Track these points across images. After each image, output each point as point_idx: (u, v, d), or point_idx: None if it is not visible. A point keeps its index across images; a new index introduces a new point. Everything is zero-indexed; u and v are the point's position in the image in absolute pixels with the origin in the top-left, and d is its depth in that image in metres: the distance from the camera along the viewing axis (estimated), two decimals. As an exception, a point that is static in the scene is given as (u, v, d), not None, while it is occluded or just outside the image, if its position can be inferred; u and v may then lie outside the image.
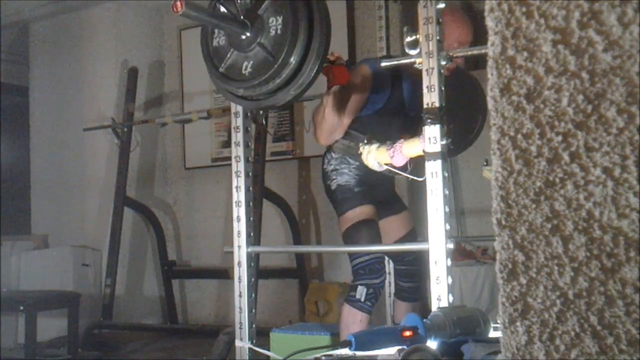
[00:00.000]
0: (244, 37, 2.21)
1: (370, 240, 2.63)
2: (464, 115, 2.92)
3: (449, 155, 2.26)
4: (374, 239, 2.65)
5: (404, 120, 2.70)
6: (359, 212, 2.66)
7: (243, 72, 2.24)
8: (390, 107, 2.69)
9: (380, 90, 2.66)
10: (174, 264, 5.29)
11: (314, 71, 2.20)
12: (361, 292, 2.60)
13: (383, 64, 2.46)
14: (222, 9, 2.22)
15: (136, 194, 5.26)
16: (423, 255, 2.87)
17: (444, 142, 2.19)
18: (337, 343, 2.55)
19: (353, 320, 2.60)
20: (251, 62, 2.22)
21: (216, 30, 2.31)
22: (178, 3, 1.96)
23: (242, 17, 2.21)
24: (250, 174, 2.72)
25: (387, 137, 2.62)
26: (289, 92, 2.22)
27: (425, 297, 2.93)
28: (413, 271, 2.89)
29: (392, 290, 3.17)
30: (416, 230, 2.94)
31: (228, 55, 2.27)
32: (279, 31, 2.17)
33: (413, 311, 2.90)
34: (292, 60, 2.16)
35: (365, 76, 2.59)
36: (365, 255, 2.62)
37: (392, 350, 1.37)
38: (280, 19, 2.17)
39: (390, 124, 2.70)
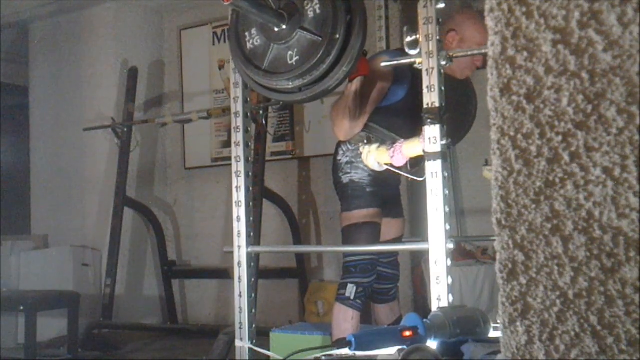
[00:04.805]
0: (282, 27, 2.16)
1: (369, 243, 2.64)
2: (456, 110, 2.93)
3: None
4: (373, 242, 2.65)
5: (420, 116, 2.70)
6: (365, 214, 2.66)
7: (289, 62, 2.18)
8: (410, 102, 2.67)
9: (400, 82, 2.65)
10: (174, 264, 5.30)
11: (359, 43, 2.16)
12: (351, 290, 2.61)
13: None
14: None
15: (136, 194, 5.26)
16: (398, 261, 2.97)
17: (444, 142, 2.19)
18: (332, 342, 2.56)
19: (344, 318, 2.60)
20: (295, 50, 2.17)
21: (247, 33, 2.27)
22: None
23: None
24: (250, 174, 2.72)
25: (405, 130, 2.62)
26: (340, 70, 2.16)
27: (397, 297, 3.02)
28: (390, 275, 2.93)
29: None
30: (402, 239, 3.00)
31: (269, 52, 2.22)
32: (317, 11, 2.14)
33: (392, 311, 2.93)
34: (338, 36, 2.12)
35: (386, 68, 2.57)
36: (360, 254, 2.63)
37: (392, 350, 1.37)
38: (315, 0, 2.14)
39: (408, 118, 2.69)
